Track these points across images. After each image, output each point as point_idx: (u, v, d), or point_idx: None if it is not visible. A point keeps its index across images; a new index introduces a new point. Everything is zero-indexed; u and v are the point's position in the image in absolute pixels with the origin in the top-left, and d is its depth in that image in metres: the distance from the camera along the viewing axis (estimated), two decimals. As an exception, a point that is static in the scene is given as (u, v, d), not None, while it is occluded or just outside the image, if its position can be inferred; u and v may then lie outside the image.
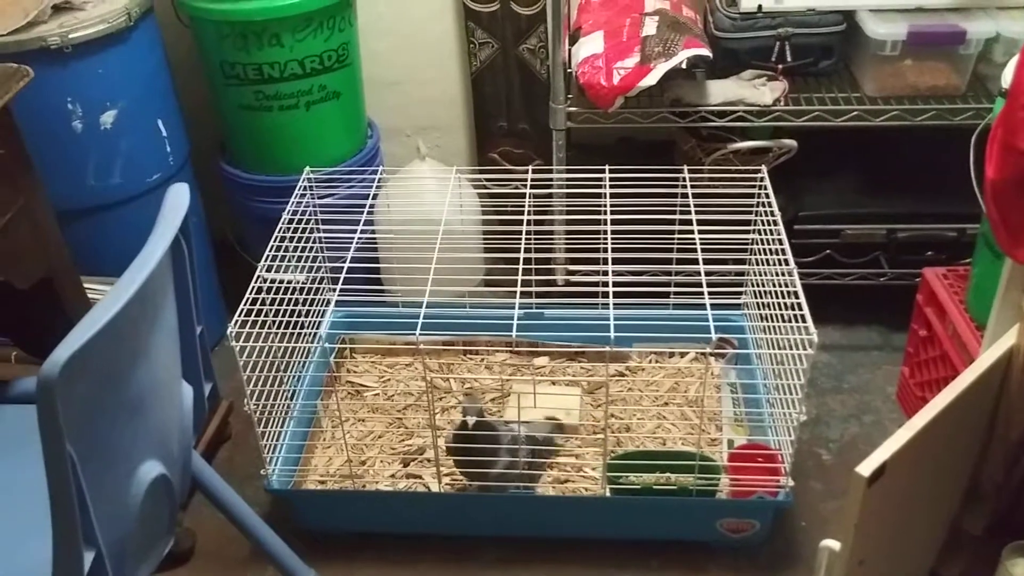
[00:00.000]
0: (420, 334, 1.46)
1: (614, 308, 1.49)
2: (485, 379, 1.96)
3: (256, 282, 1.59)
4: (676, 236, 1.80)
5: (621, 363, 1.97)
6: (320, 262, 1.91)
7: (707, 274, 1.56)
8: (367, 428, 1.86)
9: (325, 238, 1.89)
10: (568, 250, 2.05)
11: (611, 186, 1.74)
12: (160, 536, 1.18)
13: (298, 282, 1.75)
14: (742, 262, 1.88)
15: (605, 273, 1.58)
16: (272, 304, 1.61)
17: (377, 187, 1.93)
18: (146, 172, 1.92)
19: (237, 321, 1.50)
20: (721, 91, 1.91)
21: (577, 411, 1.83)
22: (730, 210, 1.75)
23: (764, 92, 1.89)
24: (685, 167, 1.79)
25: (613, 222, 1.67)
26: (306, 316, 1.77)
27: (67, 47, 1.69)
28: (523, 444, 1.62)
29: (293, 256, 1.73)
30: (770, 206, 1.73)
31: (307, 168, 1.87)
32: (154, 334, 1.07)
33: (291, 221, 1.75)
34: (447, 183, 1.88)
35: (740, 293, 1.94)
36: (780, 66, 1.93)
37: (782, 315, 1.56)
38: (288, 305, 1.67)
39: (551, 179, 1.95)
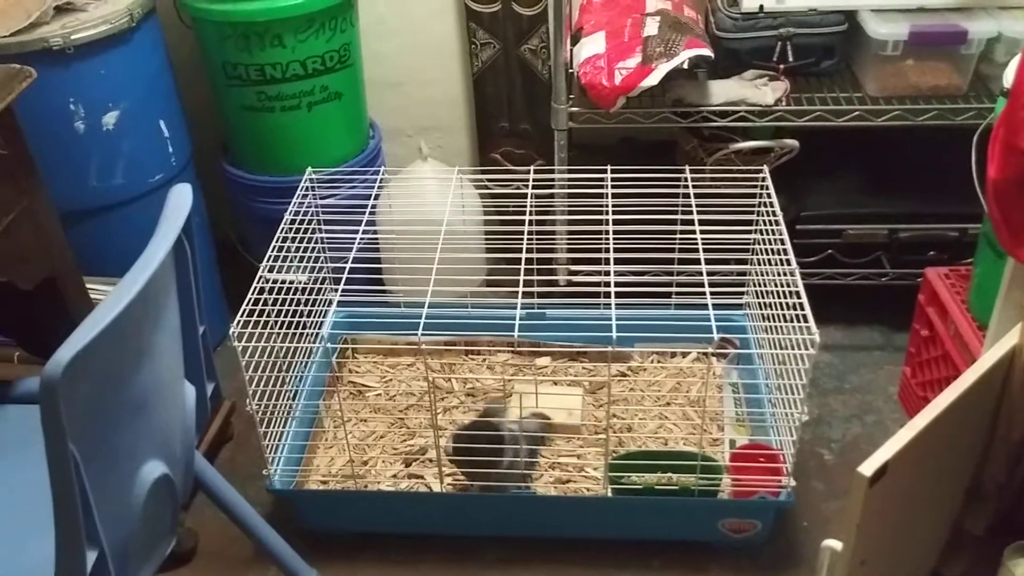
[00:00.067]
0: (422, 334, 1.46)
1: (616, 308, 1.49)
2: (487, 379, 1.96)
3: (258, 282, 1.60)
4: (678, 236, 1.80)
5: (623, 363, 1.97)
6: (322, 262, 1.91)
7: (709, 274, 1.56)
8: (369, 428, 1.86)
9: (327, 238, 1.89)
10: (570, 250, 2.05)
11: (613, 186, 1.74)
12: (162, 536, 1.18)
13: (300, 282, 1.75)
14: (744, 262, 1.88)
15: (607, 273, 1.58)
16: (274, 304, 1.62)
17: (379, 187, 1.93)
18: (148, 173, 1.92)
19: (239, 321, 1.50)
20: (723, 91, 1.91)
21: (579, 411, 1.83)
22: (732, 210, 1.75)
23: (766, 92, 1.89)
24: (687, 167, 1.79)
25: (615, 222, 1.67)
26: (308, 316, 1.77)
27: (69, 48, 1.70)
28: (521, 442, 1.62)
29: (295, 256, 1.73)
30: (772, 206, 1.73)
31: (309, 169, 1.87)
32: (157, 334, 1.07)
33: (293, 221, 1.75)
34: (449, 183, 1.88)
35: (742, 293, 1.94)
36: (782, 66, 1.93)
37: (784, 315, 1.56)
38: (290, 305, 1.68)
39: (553, 179, 1.95)
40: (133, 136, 1.86)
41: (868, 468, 1.04)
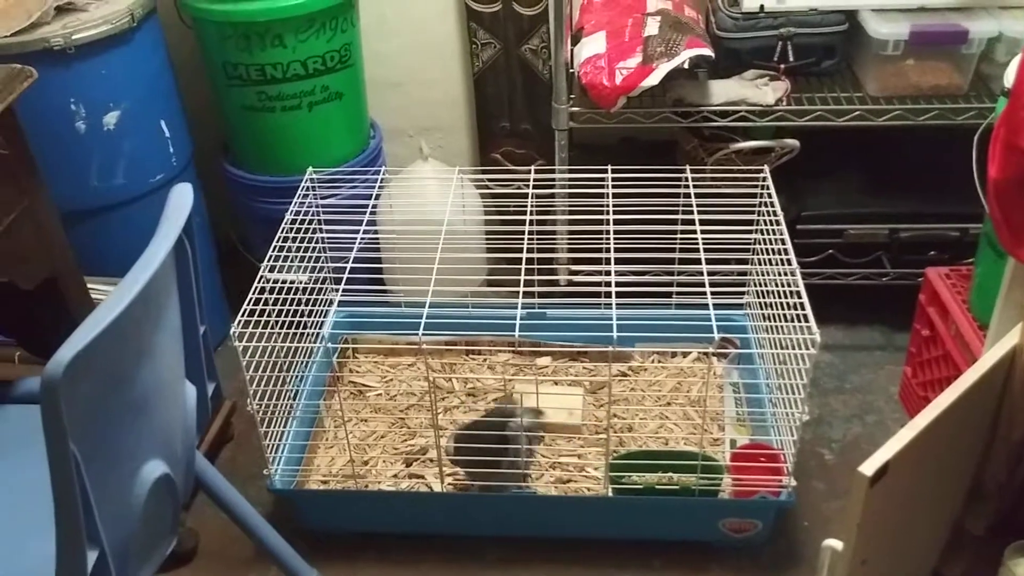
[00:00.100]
0: (423, 334, 1.46)
1: (617, 308, 1.49)
2: (488, 379, 1.96)
3: (259, 282, 1.60)
4: (678, 236, 1.79)
5: (624, 363, 1.97)
6: (323, 262, 1.91)
7: (709, 274, 1.56)
8: (369, 428, 1.86)
9: (328, 238, 1.89)
10: (570, 250, 2.05)
11: (613, 186, 1.74)
12: (163, 536, 1.18)
13: (301, 282, 1.75)
14: (744, 262, 1.88)
15: (608, 273, 1.58)
16: (275, 304, 1.62)
17: (380, 187, 1.93)
18: (149, 173, 1.92)
19: (240, 321, 1.50)
20: (723, 91, 1.91)
21: (580, 411, 1.83)
22: (732, 210, 1.75)
23: (766, 92, 1.89)
24: (687, 167, 1.79)
25: (615, 222, 1.67)
26: (309, 316, 1.77)
27: (70, 48, 1.70)
28: (523, 440, 1.62)
29: (296, 256, 1.73)
30: (772, 206, 1.72)
31: (310, 169, 1.87)
32: (157, 334, 1.07)
33: (294, 221, 1.75)
34: (449, 183, 1.88)
35: (742, 293, 1.94)
36: (782, 66, 1.93)
37: (784, 315, 1.56)
38: (291, 305, 1.67)
39: (553, 179, 1.95)
40: (134, 136, 1.86)
41: (869, 468, 1.04)
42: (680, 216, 1.77)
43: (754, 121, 1.91)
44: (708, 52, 1.84)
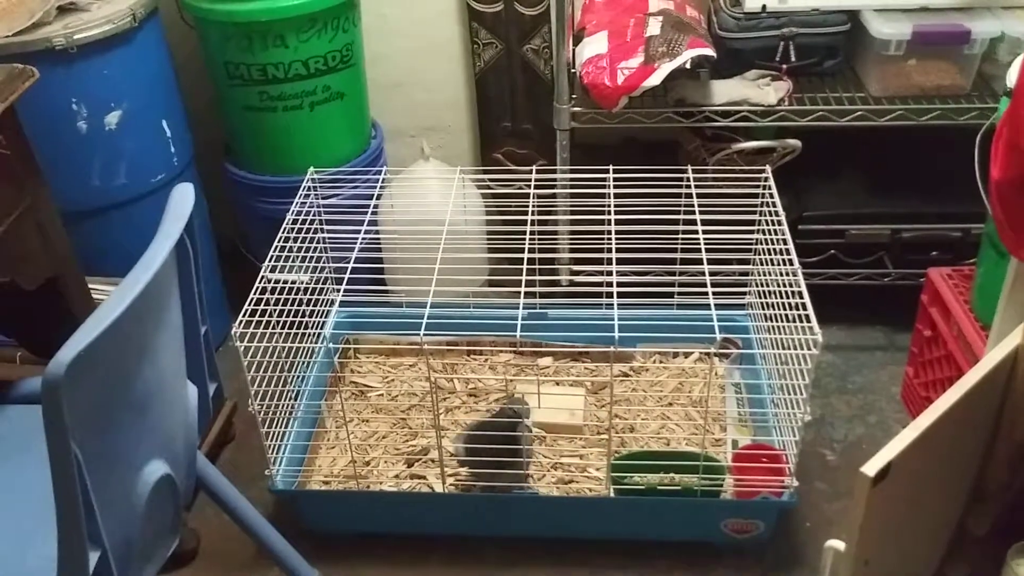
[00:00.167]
0: (424, 334, 1.46)
1: (618, 308, 1.49)
2: (489, 379, 1.96)
3: (260, 282, 1.60)
4: (680, 236, 1.79)
5: (625, 363, 1.97)
6: (324, 262, 1.91)
7: (711, 274, 1.55)
8: (371, 428, 1.86)
9: (329, 238, 1.89)
10: (572, 250, 2.05)
11: (615, 186, 1.74)
12: (165, 536, 1.18)
13: (302, 282, 1.75)
14: (746, 262, 1.87)
15: (609, 273, 1.58)
16: (276, 304, 1.62)
17: (381, 188, 1.93)
18: (150, 173, 1.92)
19: (241, 321, 1.50)
20: (725, 91, 1.91)
21: (581, 411, 1.83)
22: (734, 210, 1.75)
23: (768, 92, 1.89)
24: (689, 167, 1.78)
25: (617, 222, 1.67)
26: (310, 316, 1.77)
27: (72, 48, 1.70)
28: (529, 438, 1.62)
29: (297, 256, 1.73)
30: (774, 206, 1.72)
31: (311, 169, 1.87)
32: (159, 334, 1.07)
33: (295, 221, 1.75)
34: (451, 183, 1.88)
35: (744, 293, 1.94)
36: (784, 66, 1.93)
37: (786, 315, 1.56)
38: (292, 305, 1.67)
39: (555, 179, 1.95)
40: (135, 136, 1.86)
41: (871, 468, 1.04)
42: (682, 216, 1.76)
43: (756, 121, 1.91)
44: (710, 52, 1.84)
